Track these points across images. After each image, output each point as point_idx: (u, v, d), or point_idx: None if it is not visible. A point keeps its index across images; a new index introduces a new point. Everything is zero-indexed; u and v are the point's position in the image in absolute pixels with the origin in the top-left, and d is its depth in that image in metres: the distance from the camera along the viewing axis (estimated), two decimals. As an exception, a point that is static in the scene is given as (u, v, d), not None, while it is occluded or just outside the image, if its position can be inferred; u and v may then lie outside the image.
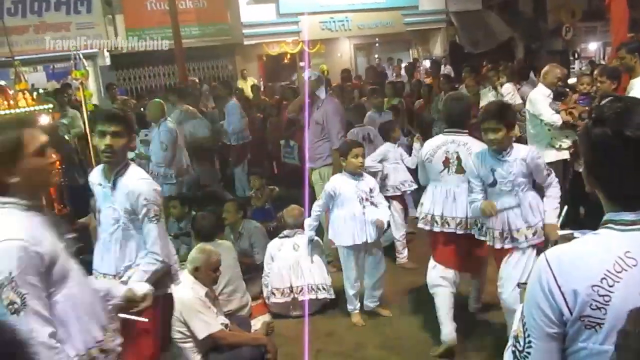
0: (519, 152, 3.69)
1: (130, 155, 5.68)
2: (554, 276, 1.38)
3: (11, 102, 4.83)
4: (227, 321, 4.15)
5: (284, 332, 4.68)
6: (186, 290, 3.93)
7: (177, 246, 5.84)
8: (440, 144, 4.15)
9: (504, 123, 3.58)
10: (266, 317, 4.92)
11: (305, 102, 5.81)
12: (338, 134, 5.64)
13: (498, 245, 3.77)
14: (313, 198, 5.51)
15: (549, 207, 3.71)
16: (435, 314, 4.11)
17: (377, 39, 17.71)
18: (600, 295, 1.33)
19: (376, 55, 18.02)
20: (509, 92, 7.62)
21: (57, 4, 12.88)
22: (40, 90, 9.76)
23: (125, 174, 3.13)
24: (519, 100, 7.64)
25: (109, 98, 10.77)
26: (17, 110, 4.75)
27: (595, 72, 6.25)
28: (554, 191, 3.77)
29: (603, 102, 1.43)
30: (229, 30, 14.86)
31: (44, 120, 4.82)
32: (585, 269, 1.36)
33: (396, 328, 4.59)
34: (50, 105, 5.07)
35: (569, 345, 1.40)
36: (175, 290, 3.99)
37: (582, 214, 5.86)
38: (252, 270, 5.34)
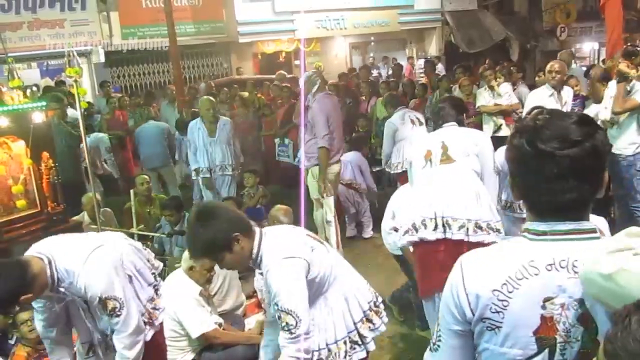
0: (263, 264, 2.50)
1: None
2: (463, 278, 1.45)
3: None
4: (221, 320, 4.15)
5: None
6: (180, 289, 3.93)
7: (170, 246, 5.84)
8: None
9: (220, 247, 2.44)
10: (260, 316, 4.90)
11: (301, 107, 5.80)
12: (322, 133, 5.62)
13: None
14: (307, 197, 5.51)
15: None
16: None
17: (372, 38, 17.72)
18: (499, 300, 1.39)
19: (371, 54, 18.03)
20: (506, 91, 7.64)
21: (51, 0, 12.81)
22: (34, 88, 9.71)
23: None
24: (515, 100, 7.67)
25: (103, 95, 10.74)
26: (10, 107, 4.71)
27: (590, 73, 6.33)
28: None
29: (531, 113, 1.45)
30: (224, 28, 14.83)
31: (38, 117, 4.79)
32: (490, 273, 1.42)
33: (389, 327, 4.59)
34: (44, 103, 5.03)
35: (476, 344, 1.47)
36: (169, 288, 4.01)
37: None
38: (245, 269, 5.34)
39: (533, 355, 1.39)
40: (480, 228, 3.34)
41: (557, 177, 1.35)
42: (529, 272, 1.38)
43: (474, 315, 1.42)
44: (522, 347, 1.39)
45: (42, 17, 12.64)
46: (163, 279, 4.34)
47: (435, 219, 3.39)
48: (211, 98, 6.96)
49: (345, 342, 2.67)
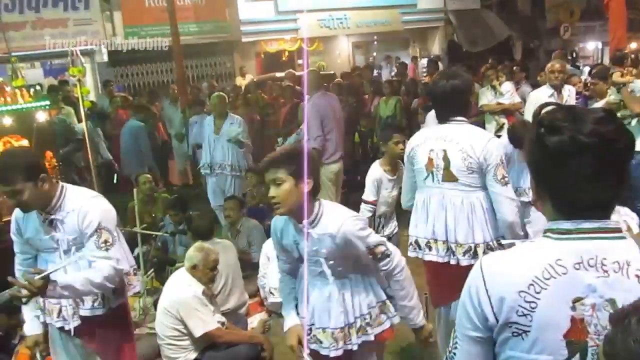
0: (329, 225, 2.55)
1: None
2: (484, 281, 1.38)
3: (8, 98, 4.82)
4: (223, 319, 4.15)
5: (280, 330, 4.67)
6: (183, 288, 3.93)
7: (173, 245, 5.85)
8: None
9: (289, 172, 2.49)
10: (263, 316, 4.92)
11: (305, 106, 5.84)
12: (315, 134, 5.61)
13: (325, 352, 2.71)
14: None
15: (405, 311, 2.72)
16: (433, 315, 3.99)
17: (375, 37, 17.71)
18: (526, 302, 1.33)
19: (373, 54, 18.03)
20: (508, 90, 7.63)
21: (54, 0, 12.84)
22: (37, 87, 9.73)
23: None
24: (517, 99, 7.66)
25: (106, 95, 10.75)
26: (15, 107, 4.73)
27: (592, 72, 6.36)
28: (399, 285, 2.68)
29: (545, 110, 1.42)
30: (227, 28, 14.83)
31: (41, 116, 4.81)
32: (515, 275, 1.36)
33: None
34: (47, 102, 5.05)
35: (499, 352, 1.40)
36: (173, 287, 4.02)
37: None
38: (248, 268, 5.34)
39: None
40: (492, 249, 3.20)
41: (598, 173, 1.32)
42: (556, 271, 1.33)
43: (497, 320, 1.36)
44: (551, 353, 1.33)
45: (46, 16, 12.68)
46: (167, 278, 4.35)
47: (437, 241, 3.27)
48: (222, 94, 6.95)
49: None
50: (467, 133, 3.18)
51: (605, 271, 1.32)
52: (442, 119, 3.26)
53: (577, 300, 1.32)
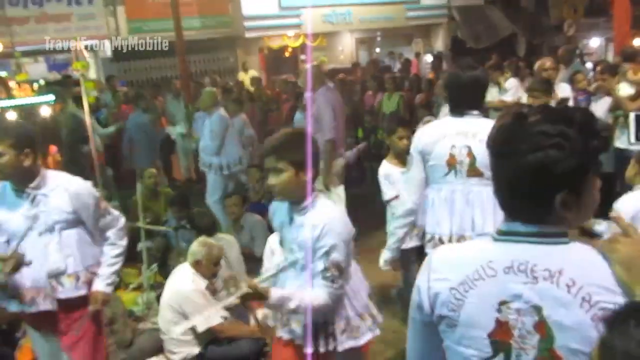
0: (315, 216, 2.51)
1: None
2: (429, 273, 1.45)
3: (12, 92, 4.84)
4: (226, 314, 4.16)
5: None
6: (186, 283, 3.95)
7: (175, 240, 5.85)
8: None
9: (290, 161, 2.47)
10: (265, 310, 4.92)
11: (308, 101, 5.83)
12: (330, 125, 5.63)
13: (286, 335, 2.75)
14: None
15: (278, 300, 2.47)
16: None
17: (378, 33, 17.68)
18: (456, 299, 1.39)
19: (377, 49, 18.00)
20: (512, 86, 7.60)
21: (58, -6, 12.85)
22: (41, 81, 9.73)
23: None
24: (522, 95, 7.62)
25: (110, 90, 10.76)
26: (18, 101, 4.74)
27: (597, 68, 6.34)
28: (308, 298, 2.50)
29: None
30: (230, 23, 14.83)
31: (45, 111, 4.81)
32: (452, 271, 1.41)
33: (393, 322, 4.60)
34: (52, 97, 5.06)
35: (443, 338, 1.46)
36: (176, 282, 4.03)
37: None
38: (251, 263, 5.34)
39: (488, 358, 1.37)
40: None
41: (502, 178, 1.37)
42: (486, 273, 1.35)
43: (432, 311, 1.43)
44: (476, 349, 1.37)
45: (49, 11, 12.68)
46: (169, 272, 4.36)
47: (465, 237, 3.09)
48: (211, 90, 6.98)
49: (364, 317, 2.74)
50: (489, 127, 3.04)
51: (535, 277, 1.31)
52: (458, 111, 3.12)
53: (503, 303, 1.34)
